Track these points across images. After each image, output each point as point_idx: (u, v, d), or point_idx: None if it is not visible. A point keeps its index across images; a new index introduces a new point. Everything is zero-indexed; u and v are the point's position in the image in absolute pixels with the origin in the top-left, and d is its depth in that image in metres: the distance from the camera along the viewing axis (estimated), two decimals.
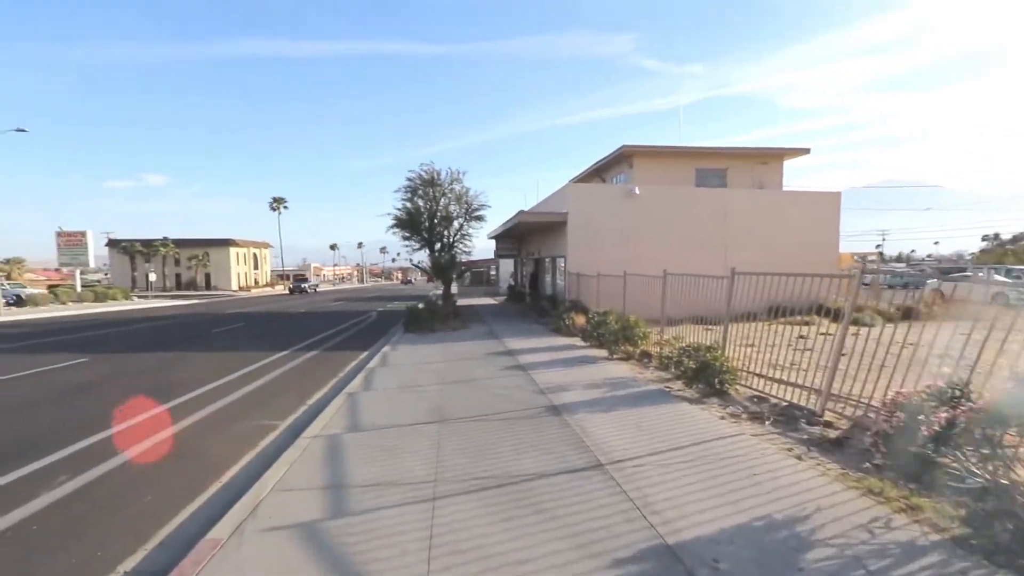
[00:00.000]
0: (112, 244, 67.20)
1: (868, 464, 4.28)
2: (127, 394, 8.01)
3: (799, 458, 4.51)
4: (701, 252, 16.00)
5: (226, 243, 71.14)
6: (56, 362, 11.06)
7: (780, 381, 6.23)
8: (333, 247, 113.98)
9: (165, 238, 67.47)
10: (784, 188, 21.29)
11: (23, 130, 28.78)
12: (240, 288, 69.28)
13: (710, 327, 8.12)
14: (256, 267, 78.37)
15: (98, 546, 3.54)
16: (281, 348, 12.72)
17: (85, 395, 8.09)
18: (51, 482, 4.58)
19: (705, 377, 6.74)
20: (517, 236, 26.19)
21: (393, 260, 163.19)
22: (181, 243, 68.60)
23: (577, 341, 12.02)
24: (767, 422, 5.63)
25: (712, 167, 20.81)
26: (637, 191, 16.58)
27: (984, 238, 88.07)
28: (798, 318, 6.38)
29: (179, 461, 5.17)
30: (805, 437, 5.09)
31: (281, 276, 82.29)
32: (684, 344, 7.78)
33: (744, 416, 5.87)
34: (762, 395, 6.54)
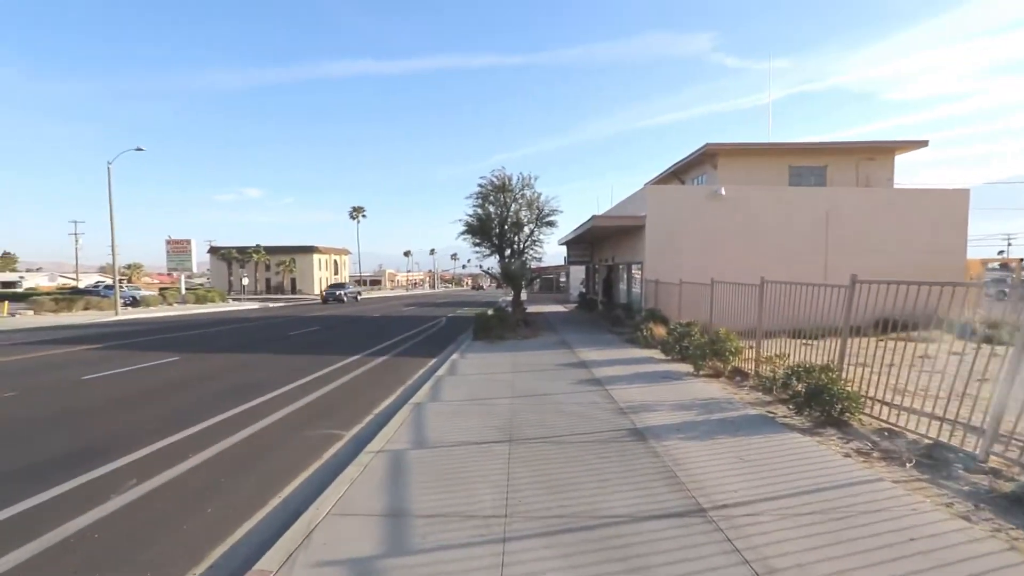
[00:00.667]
0: (212, 251, 73.66)
1: None
2: (205, 396, 8.21)
3: (967, 519, 3.51)
4: (796, 258, 14.46)
5: (310, 250, 75.75)
6: (151, 360, 11.79)
7: (921, 413, 5.10)
8: (407, 254, 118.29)
9: (257, 245, 72.96)
10: (895, 186, 18.92)
11: (141, 149, 32.01)
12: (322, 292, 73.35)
13: (808, 342, 7.02)
14: (336, 272, 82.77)
15: (149, 566, 3.32)
16: (353, 352, 12.83)
17: (168, 395, 8.38)
18: (120, 486, 4.53)
19: (820, 403, 5.72)
20: (590, 242, 25.38)
21: (463, 267, 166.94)
22: (271, 250, 73.86)
23: (656, 354, 11.11)
24: (908, 464, 4.57)
25: (809, 165, 18.92)
26: (723, 192, 15.30)
27: None
28: (915, 334, 5.25)
29: (244, 470, 5.01)
30: (967, 489, 4.04)
31: (358, 281, 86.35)
32: (790, 362, 6.75)
33: (875, 455, 4.84)
34: (893, 428, 5.42)
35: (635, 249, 16.96)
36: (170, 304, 36.85)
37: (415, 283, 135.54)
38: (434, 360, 11.87)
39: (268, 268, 75.44)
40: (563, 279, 42.97)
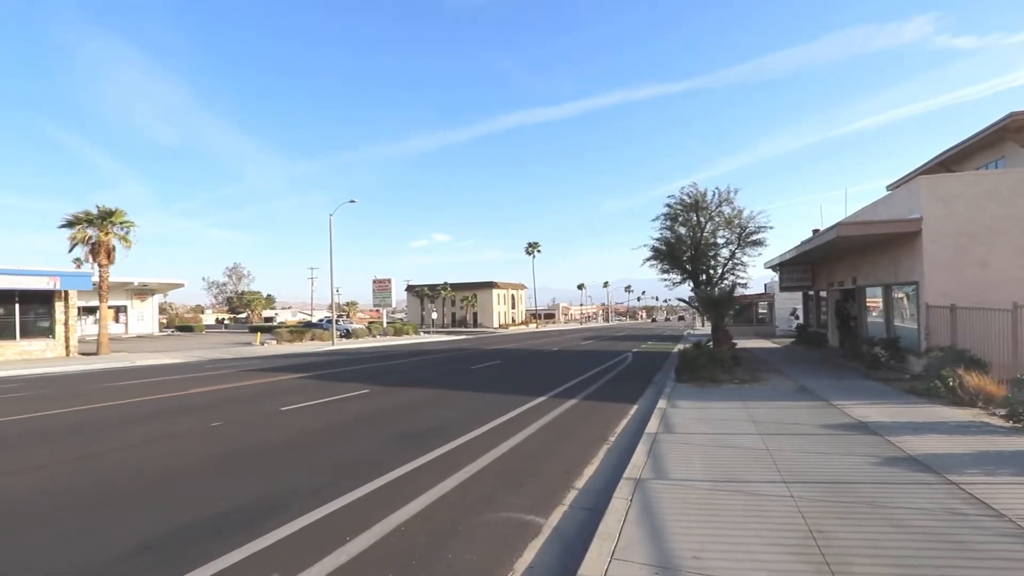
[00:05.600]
0: (409, 289, 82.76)
1: None
2: (384, 440, 7.24)
3: None
4: None
5: (489, 286, 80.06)
6: (345, 392, 11.80)
7: None
8: (580, 287, 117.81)
9: (445, 283, 79.77)
10: None
11: (354, 201, 36.85)
12: (500, 325, 76.42)
13: None
14: (513, 306, 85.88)
15: None
16: (537, 393, 11.26)
17: (348, 436, 7.66)
18: None
19: None
20: (811, 263, 20.57)
21: (638, 299, 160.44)
22: (456, 287, 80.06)
23: (983, 416, 7.23)
24: None
25: None
26: None
27: None
28: None
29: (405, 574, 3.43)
30: None
31: (534, 315, 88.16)
32: None
33: None
34: None
35: (898, 265, 12.49)
36: (373, 336, 41.11)
37: (588, 316, 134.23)
38: (636, 407, 9.59)
39: (453, 303, 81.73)
40: (763, 309, 36.77)
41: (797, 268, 21.25)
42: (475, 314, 79.96)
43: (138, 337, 41.94)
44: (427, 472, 5.68)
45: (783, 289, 23.90)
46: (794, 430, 6.88)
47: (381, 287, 51.23)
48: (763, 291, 37.54)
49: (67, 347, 23.92)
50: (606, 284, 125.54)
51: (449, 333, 55.03)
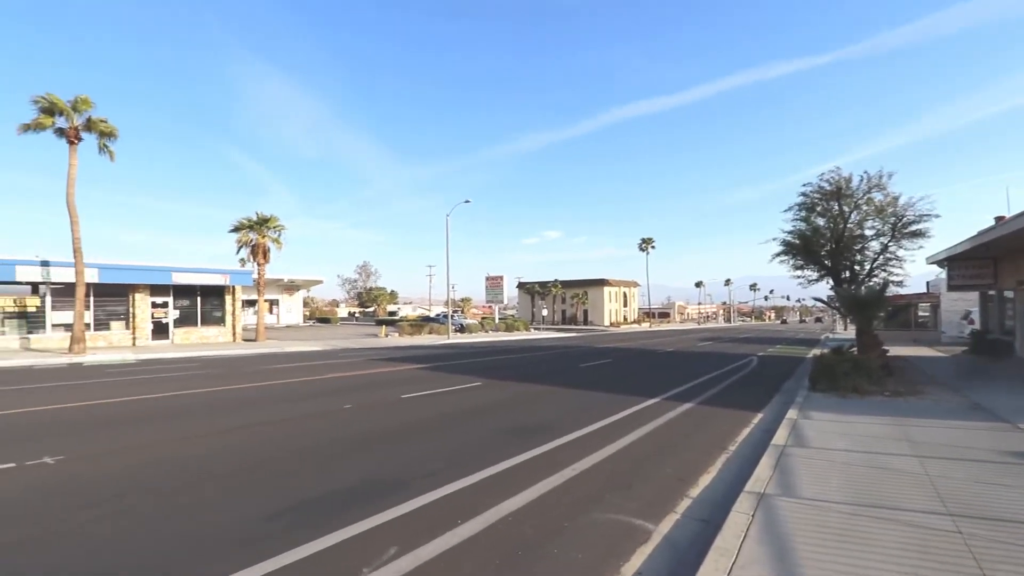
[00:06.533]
0: (520, 286, 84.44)
1: None
2: (494, 431, 7.44)
3: None
4: None
5: (601, 283, 78.79)
6: (459, 383, 12.37)
7: None
8: (698, 285, 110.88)
9: (555, 280, 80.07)
10: None
11: (468, 201, 38.48)
12: (611, 324, 74.90)
13: None
14: (625, 304, 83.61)
15: None
16: (649, 394, 10.81)
17: (461, 424, 7.98)
18: (380, 555, 3.54)
19: None
20: (993, 256, 17.22)
21: (765, 298, 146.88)
22: (566, 284, 79.97)
23: None
24: None
25: None
26: None
27: None
28: None
29: (509, 567, 3.47)
30: None
31: (647, 314, 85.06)
32: None
33: None
34: None
35: None
36: (486, 331, 42.67)
37: (707, 316, 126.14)
38: (760, 416, 8.78)
39: (564, 300, 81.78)
40: (924, 311, 31.59)
41: (973, 263, 17.88)
42: (585, 311, 79.24)
43: (287, 327, 48.02)
44: (535, 466, 5.72)
45: (952, 288, 20.21)
46: (964, 455, 5.78)
47: (493, 284, 52.93)
48: (925, 290, 32.21)
49: (234, 333, 28.19)
50: (728, 282, 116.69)
51: (559, 330, 55.20)
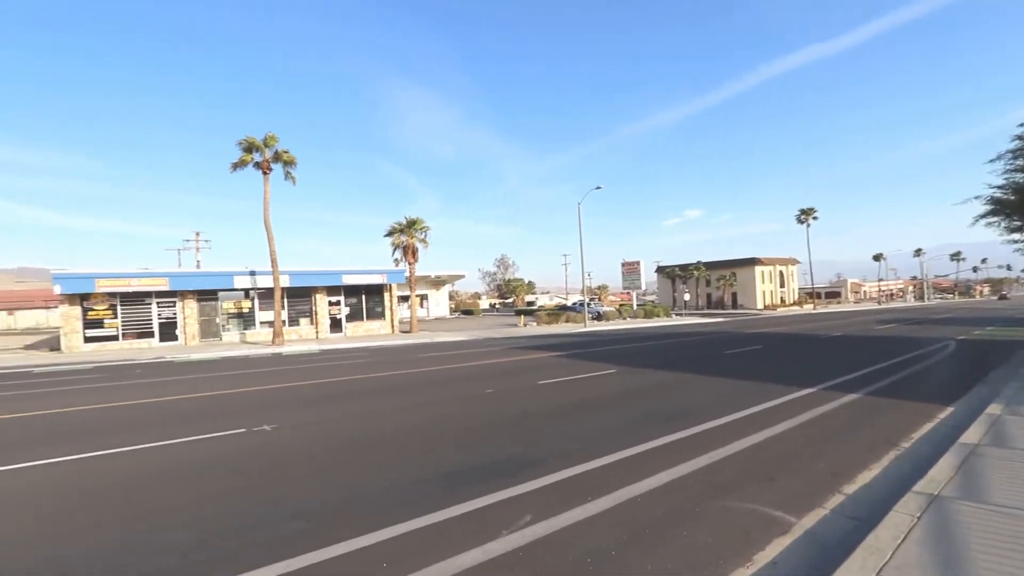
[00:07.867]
0: (659, 270, 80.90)
1: None
2: (627, 418, 7.49)
3: None
4: None
5: (751, 262, 71.97)
6: (593, 371, 12.51)
7: None
8: (877, 258, 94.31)
9: (698, 262, 75.15)
10: None
11: (600, 187, 37.99)
12: (765, 307, 68.09)
13: None
14: (782, 285, 75.27)
15: None
16: (804, 384, 9.82)
17: (594, 411, 8.15)
18: (516, 520, 3.94)
19: None
20: None
21: (975, 269, 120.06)
22: (711, 265, 74.58)
23: None
24: None
25: None
26: None
27: None
28: None
29: (638, 545, 3.60)
30: None
31: (810, 294, 75.58)
32: None
33: None
34: None
35: None
36: (623, 318, 41.86)
37: (891, 294, 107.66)
38: (950, 410, 7.49)
39: (708, 283, 76.50)
40: None
41: None
42: (734, 294, 73.05)
43: (435, 319, 52.51)
44: (669, 452, 5.70)
45: None
46: None
47: (630, 270, 51.60)
48: None
49: (392, 326, 31.82)
50: (919, 252, 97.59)
51: (703, 315, 51.85)
